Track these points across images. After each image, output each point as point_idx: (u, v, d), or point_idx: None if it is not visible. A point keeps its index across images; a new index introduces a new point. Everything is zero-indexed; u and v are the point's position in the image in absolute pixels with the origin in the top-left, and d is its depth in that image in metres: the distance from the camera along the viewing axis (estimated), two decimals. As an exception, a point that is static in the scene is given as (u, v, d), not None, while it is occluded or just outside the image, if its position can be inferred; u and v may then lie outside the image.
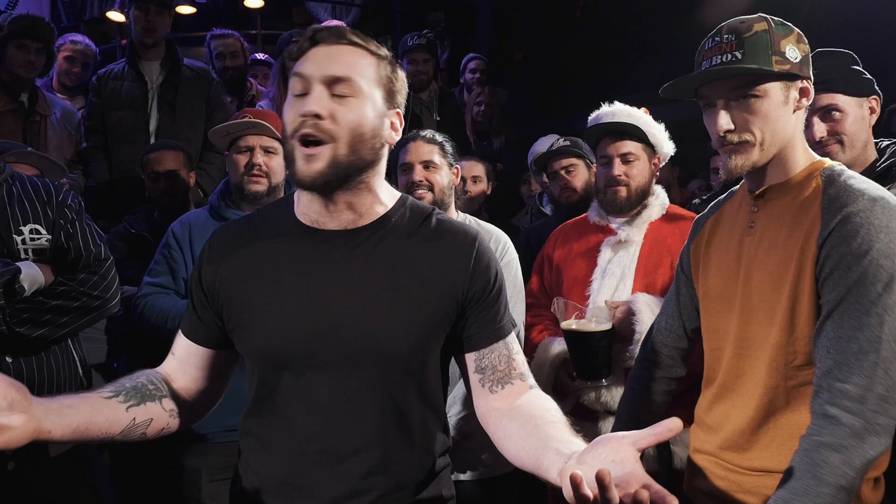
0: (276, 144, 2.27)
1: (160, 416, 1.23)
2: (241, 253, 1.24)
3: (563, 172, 2.75)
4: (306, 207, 1.23)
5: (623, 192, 2.11)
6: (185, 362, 1.31)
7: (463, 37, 5.59)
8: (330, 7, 6.10)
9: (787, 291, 1.30)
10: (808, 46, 1.37)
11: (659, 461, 1.92)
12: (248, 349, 1.23)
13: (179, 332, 1.33)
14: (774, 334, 1.32)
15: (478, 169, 3.25)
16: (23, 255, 1.85)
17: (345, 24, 4.49)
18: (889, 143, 1.87)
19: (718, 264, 1.48)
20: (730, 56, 1.32)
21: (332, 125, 1.12)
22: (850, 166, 1.39)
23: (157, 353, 1.38)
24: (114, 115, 3.42)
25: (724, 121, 1.34)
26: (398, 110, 1.23)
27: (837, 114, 1.82)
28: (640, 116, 2.14)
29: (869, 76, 1.86)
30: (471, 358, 1.28)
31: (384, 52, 1.21)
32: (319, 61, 1.14)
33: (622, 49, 4.70)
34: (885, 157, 1.83)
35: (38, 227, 1.87)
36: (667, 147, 2.16)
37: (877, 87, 1.86)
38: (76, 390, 1.95)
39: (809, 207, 1.30)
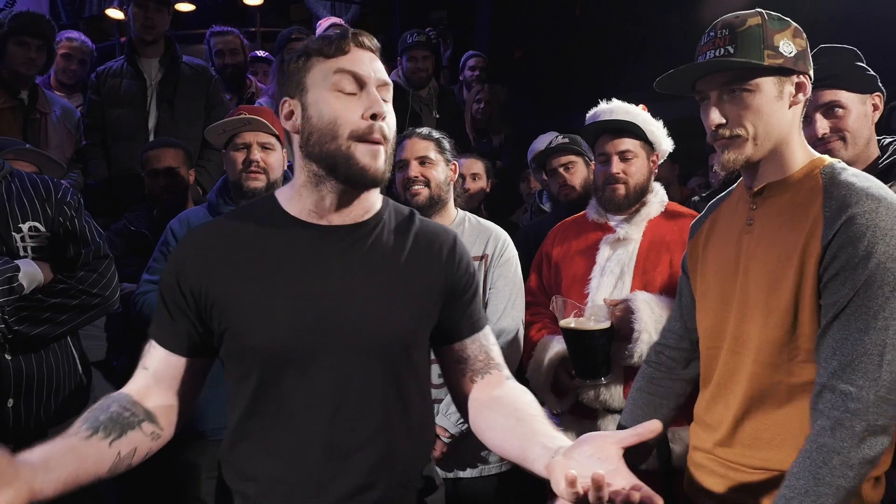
0: (273, 140, 2.26)
1: (143, 442, 1.18)
2: (229, 252, 1.21)
3: (561, 170, 2.75)
4: (314, 203, 1.22)
5: (621, 189, 2.10)
6: (160, 376, 1.24)
7: (462, 34, 5.58)
8: (329, 4, 6.10)
9: (789, 291, 1.29)
10: (805, 41, 1.36)
11: (658, 459, 1.92)
12: (247, 348, 1.19)
13: (151, 343, 1.25)
14: (772, 332, 1.32)
15: (477, 166, 3.25)
16: (22, 253, 1.84)
17: (343, 22, 4.48)
18: (891, 140, 1.86)
19: (717, 263, 1.48)
20: (722, 50, 1.33)
21: (387, 128, 1.20)
22: (852, 163, 1.39)
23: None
24: (113, 113, 3.42)
25: (716, 115, 1.35)
26: None
27: (840, 110, 1.81)
28: (638, 114, 2.13)
29: (872, 73, 1.85)
30: (452, 349, 1.34)
31: None
32: (367, 63, 1.20)
33: (621, 47, 4.69)
34: (888, 154, 1.82)
35: (37, 224, 1.86)
36: (665, 144, 2.16)
37: (880, 84, 1.86)
38: (76, 387, 1.97)
39: (810, 206, 1.30)
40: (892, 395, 1.17)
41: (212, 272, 1.20)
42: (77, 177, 3.33)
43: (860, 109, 1.82)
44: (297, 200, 1.24)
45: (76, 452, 1.09)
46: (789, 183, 1.36)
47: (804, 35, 1.37)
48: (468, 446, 2.11)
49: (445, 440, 2.05)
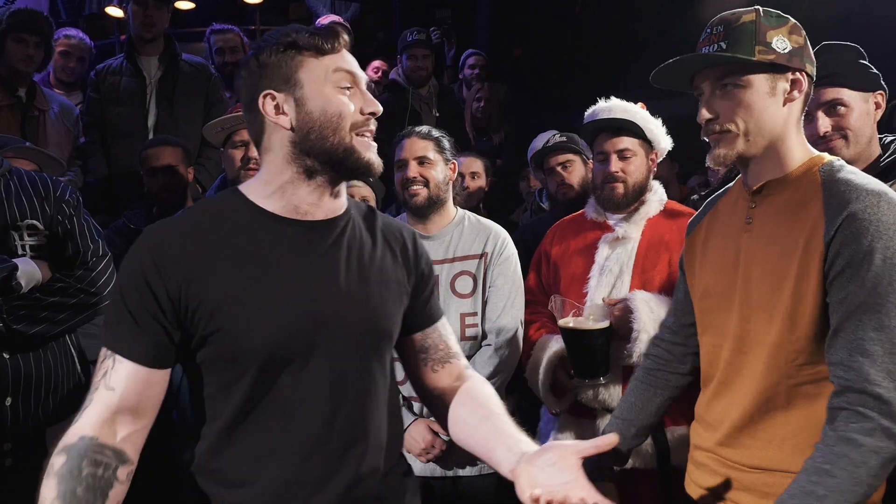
0: None
1: (121, 490, 1.12)
2: (208, 251, 1.15)
3: (559, 169, 2.74)
4: (300, 199, 1.22)
5: (620, 188, 2.09)
6: (126, 395, 1.13)
7: (463, 33, 5.58)
8: (329, 2, 6.08)
9: (790, 289, 1.29)
10: (804, 39, 1.36)
11: (657, 459, 1.92)
12: (242, 351, 1.14)
13: (114, 358, 1.13)
14: (774, 332, 1.31)
15: (476, 165, 3.25)
16: (20, 252, 1.84)
17: (342, 20, 4.47)
18: (893, 138, 1.86)
19: (716, 261, 1.47)
20: (716, 46, 1.33)
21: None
22: (853, 162, 1.39)
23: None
24: (112, 111, 3.42)
25: (704, 109, 1.36)
26: None
27: (842, 108, 1.80)
28: (636, 112, 2.12)
29: (875, 70, 1.84)
30: (414, 339, 1.39)
31: None
32: (354, 62, 1.24)
33: (622, 45, 4.68)
34: (889, 152, 1.81)
35: (35, 222, 1.86)
36: (664, 142, 2.15)
37: (883, 83, 1.85)
38: (74, 386, 1.96)
39: (810, 204, 1.29)
40: None
41: (193, 272, 1.13)
42: (74, 177, 3.32)
43: (862, 108, 1.81)
44: (277, 197, 1.22)
45: None
46: (788, 181, 1.35)
47: (803, 32, 1.36)
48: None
49: (445, 438, 2.05)
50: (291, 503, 1.18)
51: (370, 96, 1.23)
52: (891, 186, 1.34)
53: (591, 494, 1.04)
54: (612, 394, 2.01)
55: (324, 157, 1.20)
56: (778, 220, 1.34)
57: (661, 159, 2.19)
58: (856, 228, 1.20)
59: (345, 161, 1.21)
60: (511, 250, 2.18)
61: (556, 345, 2.06)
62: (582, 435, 2.08)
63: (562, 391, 2.08)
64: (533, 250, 2.35)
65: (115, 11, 5.42)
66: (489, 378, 2.05)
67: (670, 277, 2.02)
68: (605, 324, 1.91)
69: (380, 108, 1.23)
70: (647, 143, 2.13)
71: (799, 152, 1.36)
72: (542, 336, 2.13)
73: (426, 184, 2.13)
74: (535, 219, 3.14)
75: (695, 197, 2.89)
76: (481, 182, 3.24)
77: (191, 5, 5.50)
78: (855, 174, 1.29)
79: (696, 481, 1.50)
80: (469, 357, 2.10)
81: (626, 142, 2.09)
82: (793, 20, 1.36)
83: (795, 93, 1.34)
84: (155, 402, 1.17)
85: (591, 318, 1.93)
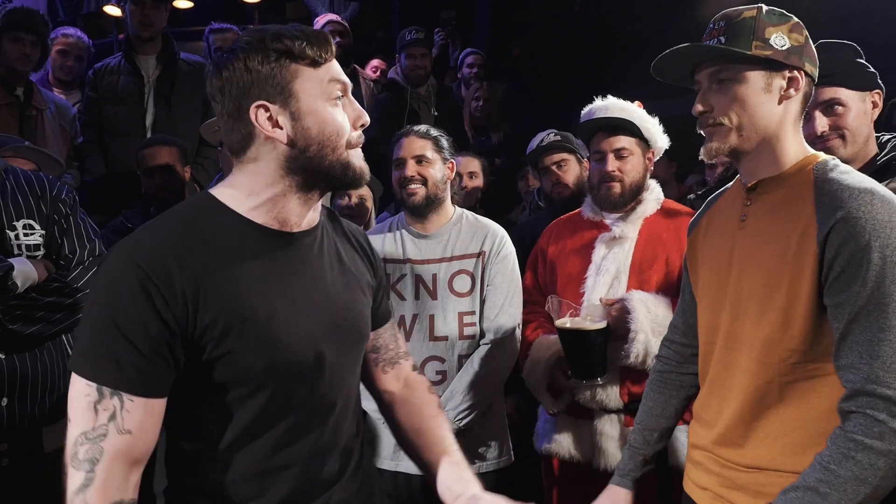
0: None
1: None
2: (205, 270, 1.06)
3: (554, 168, 2.74)
4: (289, 211, 1.17)
5: (617, 188, 2.09)
6: (145, 436, 1.02)
7: (462, 32, 5.57)
8: (328, 1, 6.08)
9: (784, 289, 1.28)
10: (805, 38, 1.36)
11: (657, 459, 1.91)
12: (252, 372, 1.09)
13: (120, 398, 1.00)
14: (766, 330, 1.31)
15: (474, 165, 3.24)
16: (16, 251, 1.83)
17: (341, 19, 4.46)
18: (890, 137, 1.86)
19: (711, 259, 1.47)
20: (715, 41, 1.34)
21: None
22: (851, 161, 1.38)
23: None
24: (110, 110, 3.42)
25: (699, 102, 1.37)
26: None
27: (840, 108, 1.80)
28: (633, 111, 2.11)
29: (872, 69, 1.84)
30: (370, 337, 1.39)
31: None
32: (341, 71, 1.20)
33: (621, 44, 4.68)
34: (886, 151, 1.81)
35: (31, 222, 1.85)
36: (661, 141, 2.15)
37: (880, 81, 1.84)
38: (70, 385, 1.95)
39: (802, 202, 1.29)
40: None
41: (197, 292, 1.04)
42: (71, 179, 3.32)
43: (860, 107, 1.81)
44: (266, 209, 1.16)
45: None
46: (782, 179, 1.35)
47: (804, 31, 1.36)
48: (466, 444, 2.10)
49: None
50: None
51: (357, 104, 1.21)
52: (887, 185, 1.33)
53: None
54: (610, 394, 2.01)
55: (321, 174, 1.16)
56: (771, 219, 1.34)
57: (657, 158, 2.19)
58: (852, 228, 1.19)
59: (342, 177, 1.18)
60: (509, 249, 2.17)
61: (553, 345, 2.05)
62: (580, 435, 2.08)
63: (559, 392, 2.08)
64: (529, 249, 2.35)
65: (113, 10, 5.41)
66: (486, 377, 2.06)
67: (667, 277, 2.02)
68: (603, 324, 1.91)
69: (368, 119, 1.22)
70: (644, 142, 2.12)
71: (794, 151, 1.36)
72: (539, 336, 2.13)
73: (424, 182, 2.12)
74: (531, 218, 3.13)
75: (691, 196, 2.88)
76: (479, 182, 3.24)
77: (189, 4, 5.49)
78: (847, 173, 1.28)
79: (694, 480, 1.50)
80: (467, 356, 2.10)
81: (623, 141, 2.09)
82: (796, 19, 1.36)
83: (792, 91, 1.34)
84: (155, 437, 1.07)
85: (588, 319, 1.92)
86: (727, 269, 1.41)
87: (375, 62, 4.83)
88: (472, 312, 2.12)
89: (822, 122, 1.81)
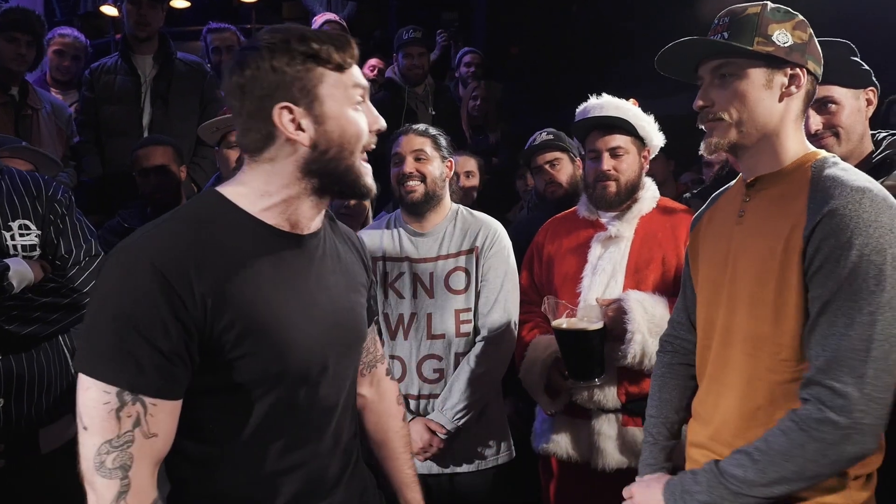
0: None
1: None
2: (222, 272, 1.06)
3: (547, 167, 2.73)
4: (301, 213, 1.18)
5: (613, 186, 2.08)
6: (169, 437, 1.05)
7: (459, 31, 5.57)
8: (325, 1, 6.07)
9: (773, 284, 1.29)
10: (808, 36, 1.36)
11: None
12: (267, 374, 1.09)
13: (142, 402, 0.99)
14: (758, 326, 1.31)
15: (470, 164, 3.25)
16: (11, 252, 1.83)
17: (339, 18, 4.46)
18: (886, 134, 1.85)
19: (710, 255, 1.48)
20: (719, 36, 1.35)
21: None
22: (846, 159, 1.38)
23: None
24: (107, 110, 3.41)
25: (700, 97, 1.38)
26: None
27: (833, 106, 1.80)
28: (628, 109, 2.11)
29: (866, 67, 1.83)
30: None
31: None
32: (362, 74, 1.21)
33: (618, 44, 4.68)
34: (881, 148, 1.81)
35: (27, 222, 1.85)
36: (656, 139, 2.14)
37: (874, 79, 1.84)
38: (67, 386, 1.95)
39: (797, 198, 1.29)
40: (880, 392, 1.16)
41: (215, 294, 1.04)
42: (67, 178, 3.31)
43: (853, 105, 1.80)
44: (278, 210, 1.16)
45: None
46: (781, 175, 1.35)
47: (808, 29, 1.36)
48: (464, 442, 2.11)
49: (442, 436, 2.05)
50: None
51: (374, 109, 1.21)
52: (882, 183, 1.33)
53: None
54: (608, 394, 2.00)
55: (334, 178, 1.16)
56: (768, 214, 1.34)
57: (653, 156, 2.18)
58: (836, 224, 1.20)
59: (353, 185, 1.18)
60: (503, 243, 2.16)
61: (550, 346, 2.05)
62: (577, 435, 2.08)
63: (556, 392, 2.08)
64: (524, 249, 2.34)
65: (109, 10, 5.40)
66: (482, 375, 2.06)
67: (664, 276, 2.01)
68: (599, 325, 1.90)
69: (385, 124, 1.23)
70: (640, 141, 2.11)
71: (795, 148, 1.36)
72: (535, 337, 2.12)
73: (423, 179, 2.12)
74: (526, 217, 3.13)
75: (687, 195, 2.88)
76: (475, 181, 3.24)
77: (186, 4, 5.48)
78: (845, 171, 1.29)
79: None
80: (464, 354, 2.10)
81: (619, 139, 2.08)
82: (801, 17, 1.36)
83: (793, 88, 1.34)
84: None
85: (584, 320, 1.92)
86: (724, 266, 1.41)
87: (373, 61, 4.82)
88: (468, 309, 2.12)
89: (815, 121, 1.81)
